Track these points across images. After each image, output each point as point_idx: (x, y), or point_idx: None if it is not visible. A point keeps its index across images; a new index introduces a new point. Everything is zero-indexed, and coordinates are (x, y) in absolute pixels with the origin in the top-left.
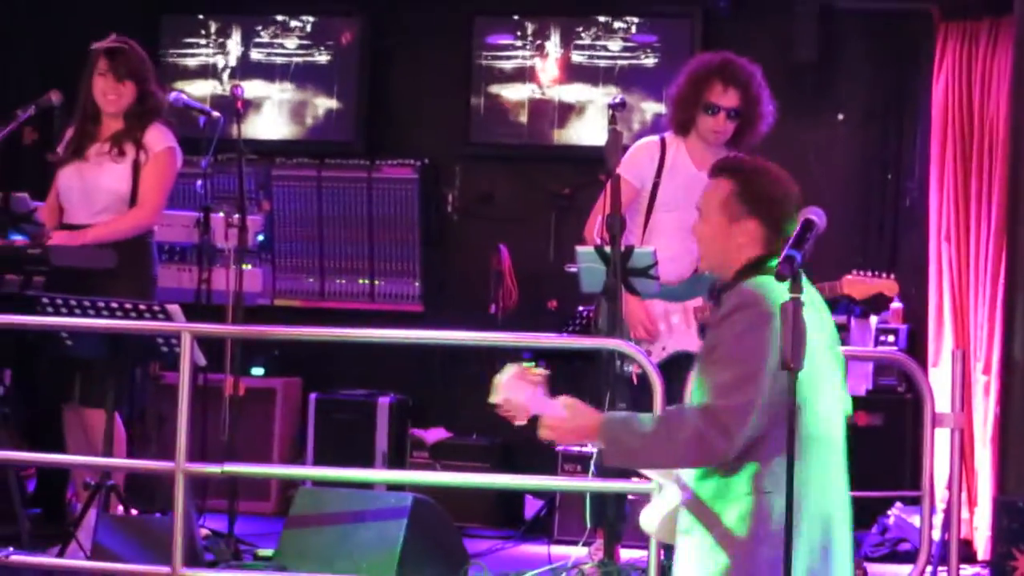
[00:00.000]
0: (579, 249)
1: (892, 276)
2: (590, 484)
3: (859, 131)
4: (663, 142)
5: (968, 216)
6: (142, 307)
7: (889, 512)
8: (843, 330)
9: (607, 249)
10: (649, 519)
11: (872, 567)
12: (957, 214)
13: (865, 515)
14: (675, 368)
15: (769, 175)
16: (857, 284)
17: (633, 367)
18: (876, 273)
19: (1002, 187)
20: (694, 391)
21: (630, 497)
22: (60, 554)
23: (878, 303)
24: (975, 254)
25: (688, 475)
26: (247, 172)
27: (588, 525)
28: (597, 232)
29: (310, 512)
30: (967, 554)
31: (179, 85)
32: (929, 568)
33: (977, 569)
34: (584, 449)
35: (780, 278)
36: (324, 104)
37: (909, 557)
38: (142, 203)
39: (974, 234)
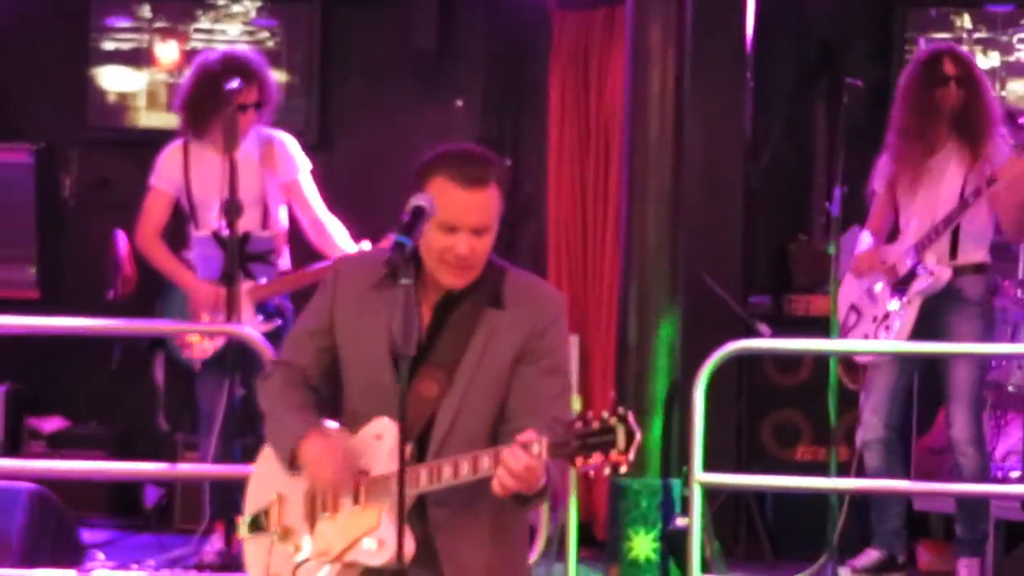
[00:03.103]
0: (196, 235)
1: None
2: (209, 472)
3: (478, 120)
4: (185, 145)
5: (585, 205)
6: None
7: None
8: None
9: (224, 235)
10: None
11: None
12: (574, 205)
13: None
14: None
15: None
16: None
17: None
18: None
19: (618, 175)
20: None
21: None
22: None
23: None
24: (592, 242)
25: None
26: None
27: (208, 514)
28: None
29: None
30: (585, 536)
31: None
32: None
33: (595, 550)
34: None
35: (391, 265)
36: None
37: None
38: None
39: (591, 222)
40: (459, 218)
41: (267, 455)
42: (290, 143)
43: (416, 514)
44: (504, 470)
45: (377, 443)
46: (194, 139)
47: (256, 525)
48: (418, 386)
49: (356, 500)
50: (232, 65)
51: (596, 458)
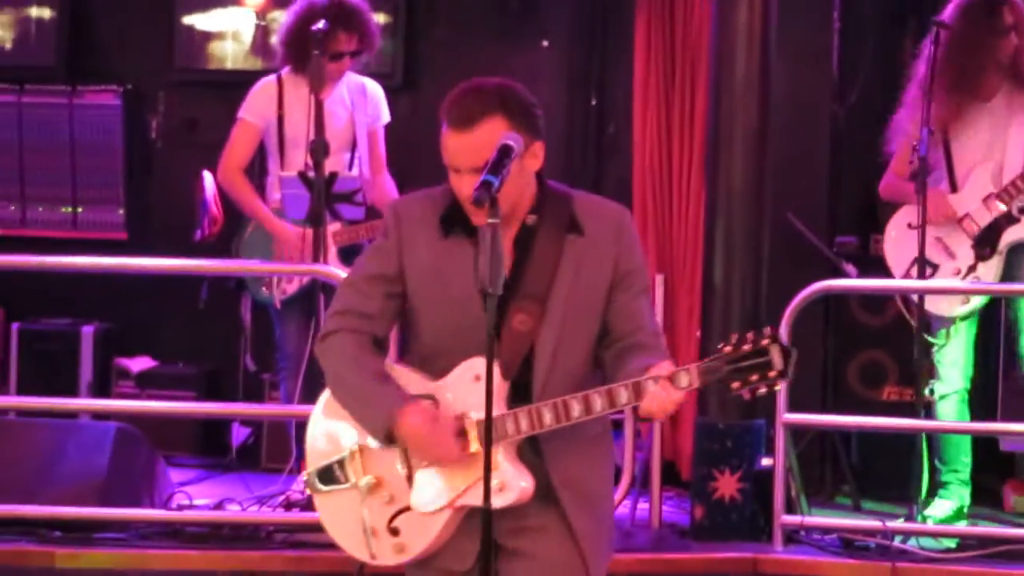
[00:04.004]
0: (283, 175)
1: None
2: (296, 411)
3: (563, 58)
4: (280, 80)
5: (671, 144)
6: None
7: None
8: None
9: (311, 175)
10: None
11: None
12: (659, 141)
13: None
14: None
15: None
16: None
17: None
18: None
19: (704, 114)
20: None
21: None
22: None
23: None
24: (677, 181)
25: None
26: None
27: (294, 454)
28: (230, 172)
29: (12, 443)
30: (670, 475)
31: None
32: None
33: (679, 490)
34: None
35: (477, 203)
36: (24, 27)
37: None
38: None
39: (676, 161)
40: (454, 159)
41: (330, 406)
42: (381, 93)
43: (530, 449)
44: (655, 406)
45: (476, 384)
46: (290, 75)
47: (330, 477)
48: (511, 321)
49: (465, 447)
50: (335, 11)
51: (754, 379)
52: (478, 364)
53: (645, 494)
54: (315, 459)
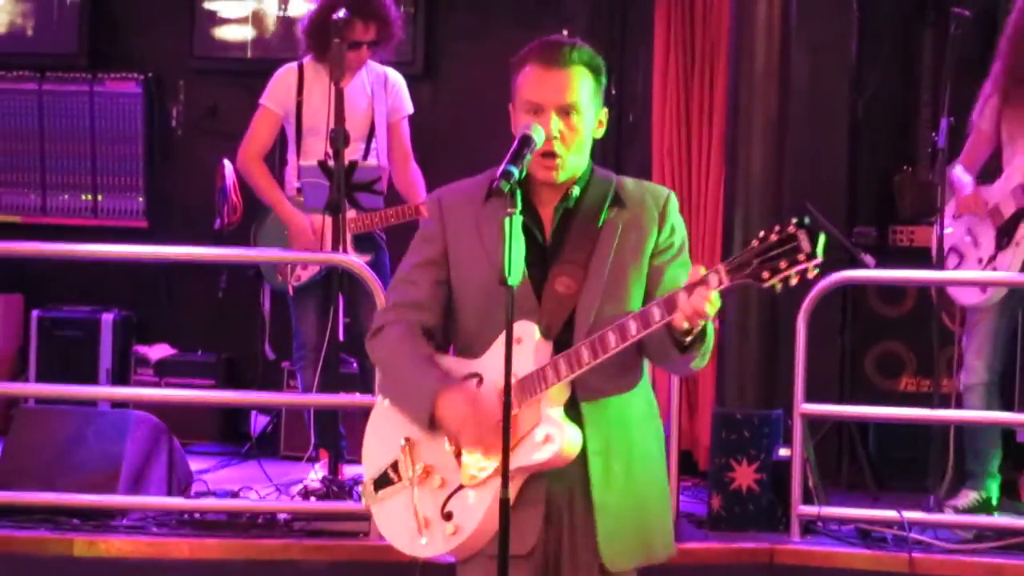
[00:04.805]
0: (302, 164)
1: None
2: (313, 400)
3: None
4: (301, 67)
5: (690, 131)
6: None
7: None
8: None
9: (331, 164)
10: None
11: None
12: (679, 129)
13: None
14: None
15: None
16: None
17: None
18: None
19: (723, 102)
20: None
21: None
22: None
23: None
24: (697, 169)
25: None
26: None
27: (313, 442)
28: (249, 160)
29: (31, 430)
30: (687, 465)
31: None
32: None
33: (696, 480)
34: None
35: (498, 193)
36: (45, 15)
37: None
38: None
39: (695, 149)
40: (541, 95)
41: (377, 418)
42: (402, 84)
43: (570, 410)
44: (690, 311)
45: (519, 347)
46: (311, 64)
47: (384, 481)
48: (553, 284)
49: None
50: (356, 10)
51: (783, 267)
52: (519, 328)
53: None
54: (370, 471)
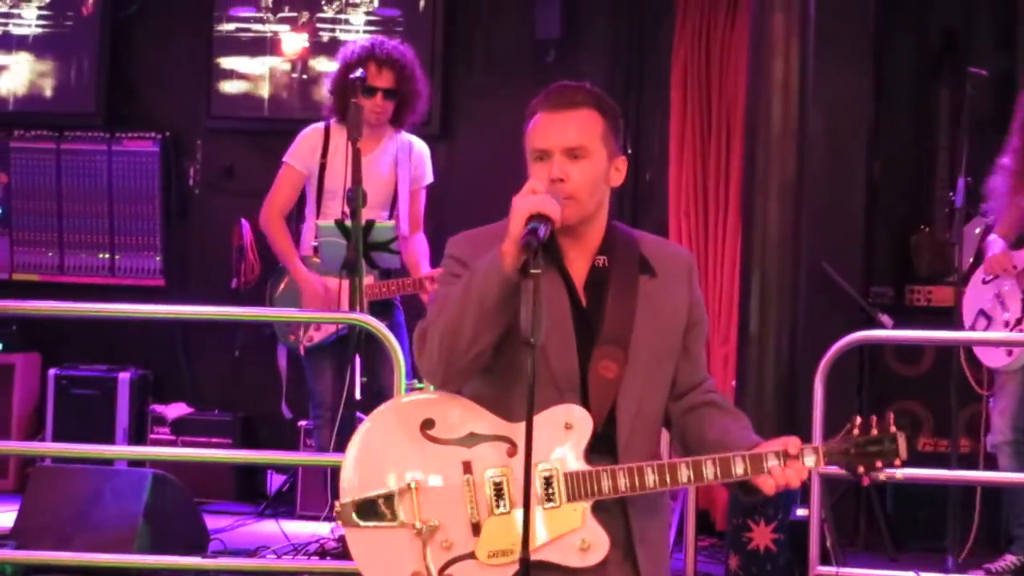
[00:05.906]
0: (320, 223)
1: None
2: (330, 460)
3: None
4: (327, 129)
5: (706, 191)
6: None
7: None
8: None
9: (348, 223)
10: None
11: None
12: (695, 189)
13: None
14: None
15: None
16: None
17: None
18: None
19: (739, 163)
20: None
21: None
22: None
23: None
24: (713, 229)
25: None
26: None
27: (329, 502)
28: (271, 218)
29: (48, 489)
30: (705, 525)
31: None
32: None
33: (714, 539)
34: None
35: (526, 250)
36: (64, 75)
37: None
38: None
39: (712, 210)
40: (547, 138)
41: (369, 441)
42: (427, 153)
43: (618, 509)
44: (781, 481)
45: (566, 433)
46: (336, 125)
47: (372, 512)
48: (597, 367)
49: (550, 497)
50: (371, 50)
51: (879, 466)
52: (569, 413)
53: (680, 544)
54: (352, 492)
